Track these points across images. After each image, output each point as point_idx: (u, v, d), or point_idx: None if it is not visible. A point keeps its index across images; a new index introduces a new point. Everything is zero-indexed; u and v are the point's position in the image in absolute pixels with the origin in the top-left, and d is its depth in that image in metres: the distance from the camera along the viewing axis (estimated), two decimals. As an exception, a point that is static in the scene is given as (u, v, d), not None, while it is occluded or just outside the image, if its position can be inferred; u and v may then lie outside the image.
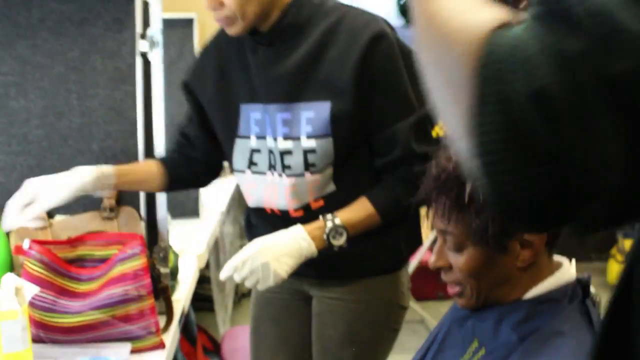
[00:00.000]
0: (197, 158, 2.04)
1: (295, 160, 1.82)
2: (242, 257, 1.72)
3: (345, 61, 1.75)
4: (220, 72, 1.93)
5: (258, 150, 1.89)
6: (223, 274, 1.73)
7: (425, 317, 4.43)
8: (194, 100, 2.00)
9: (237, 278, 1.73)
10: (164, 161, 2.03)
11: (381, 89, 1.76)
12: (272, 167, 1.87)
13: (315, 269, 1.93)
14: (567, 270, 1.33)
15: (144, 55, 2.06)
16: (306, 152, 1.80)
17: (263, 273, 1.71)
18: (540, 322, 1.27)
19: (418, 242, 2.05)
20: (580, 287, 1.32)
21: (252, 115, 1.88)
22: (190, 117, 2.04)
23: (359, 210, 1.80)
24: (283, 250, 1.73)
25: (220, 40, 1.95)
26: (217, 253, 3.59)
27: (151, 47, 2.03)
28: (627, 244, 5.20)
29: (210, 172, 2.12)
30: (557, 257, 1.35)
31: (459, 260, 1.31)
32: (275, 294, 2.08)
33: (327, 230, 1.75)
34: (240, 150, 1.92)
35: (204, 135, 2.02)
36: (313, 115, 1.78)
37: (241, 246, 4.42)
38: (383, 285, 1.97)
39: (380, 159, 1.82)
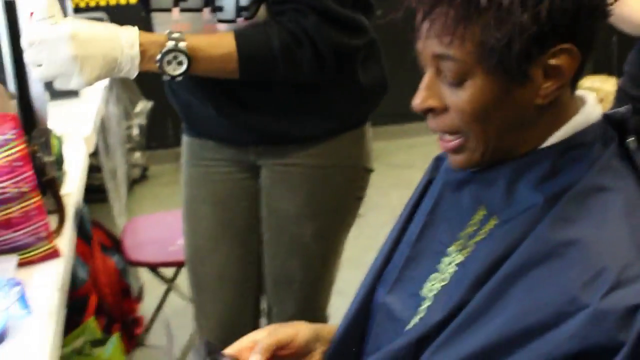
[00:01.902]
0: None
1: (229, 2, 1.44)
2: (44, 35, 1.32)
3: None
4: None
5: None
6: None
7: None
8: None
9: (28, 58, 1.36)
10: None
11: None
12: (209, 1, 1.48)
13: (264, 133, 1.61)
14: (594, 105, 1.01)
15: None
16: None
17: (64, 69, 1.33)
18: (573, 176, 0.95)
19: (384, 86, 1.70)
20: (611, 127, 1.02)
21: None
22: None
23: (217, 44, 1.44)
24: (101, 51, 1.34)
25: None
26: (105, 137, 3.17)
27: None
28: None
29: None
30: (578, 92, 1.03)
31: (460, 96, 0.95)
32: (212, 167, 1.73)
33: (164, 50, 1.38)
34: None
35: None
36: None
37: (128, 127, 4.07)
38: (348, 144, 1.66)
39: None
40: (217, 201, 1.74)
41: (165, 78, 1.41)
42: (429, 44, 0.95)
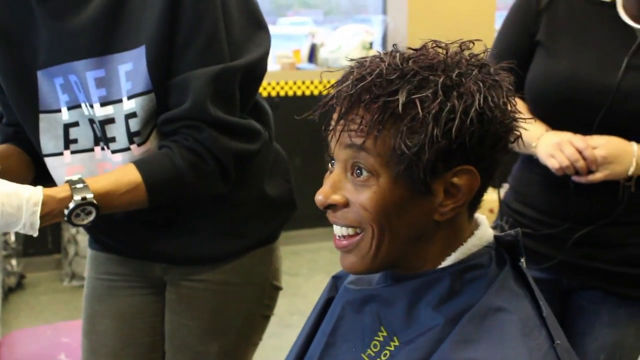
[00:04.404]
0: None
1: (120, 131, 1.43)
2: None
3: None
4: (1, 34, 1.47)
5: (75, 124, 1.48)
6: None
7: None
8: None
9: None
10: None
11: (188, 22, 1.40)
12: (99, 139, 1.48)
13: (172, 259, 1.59)
14: (487, 228, 1.06)
15: None
16: (127, 118, 1.41)
17: None
18: (471, 297, 0.98)
19: (293, 202, 1.72)
20: (503, 248, 1.06)
21: (55, 81, 1.46)
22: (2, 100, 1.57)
23: (122, 181, 1.38)
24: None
25: None
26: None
27: None
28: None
29: None
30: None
31: (364, 194, 0.98)
32: (116, 282, 1.68)
33: (71, 206, 1.31)
34: (49, 128, 1.49)
35: None
36: (132, 67, 1.40)
37: (5, 234, 3.90)
38: (257, 262, 1.65)
39: (165, 112, 1.44)
40: (119, 317, 1.69)
41: (72, 227, 1.35)
42: (342, 140, 0.98)
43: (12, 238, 4.06)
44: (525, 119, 1.02)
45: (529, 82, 1.79)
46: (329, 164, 1.04)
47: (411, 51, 0.99)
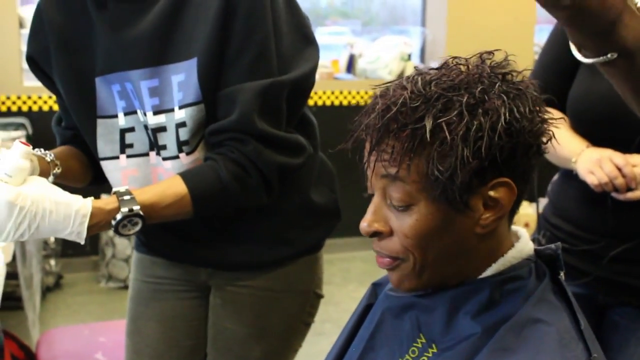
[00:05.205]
0: None
1: (170, 139, 1.46)
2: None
3: (207, 6, 1.42)
4: (62, 41, 1.52)
5: (131, 129, 1.52)
6: None
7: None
8: (47, 76, 1.57)
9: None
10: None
11: (239, 36, 1.43)
12: (154, 145, 1.51)
13: (221, 259, 1.62)
14: (527, 241, 1.07)
15: None
16: (178, 127, 1.45)
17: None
18: (510, 308, 1.00)
19: (338, 212, 1.73)
20: (542, 262, 1.08)
21: (113, 88, 1.50)
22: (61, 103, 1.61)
23: (168, 193, 1.41)
24: (45, 224, 1.27)
25: None
26: (23, 244, 3.09)
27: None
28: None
29: None
30: (513, 227, 1.09)
31: (405, 221, 0.99)
32: (162, 285, 1.71)
33: (119, 217, 1.34)
34: (106, 132, 1.53)
35: None
36: (184, 77, 1.43)
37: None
38: (301, 270, 1.68)
39: (213, 124, 1.46)
40: (164, 320, 1.71)
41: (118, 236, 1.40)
42: (377, 171, 1.01)
43: (52, 239, 4.13)
44: (555, 119, 1.02)
45: (570, 98, 1.79)
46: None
47: (433, 72, 1.00)
